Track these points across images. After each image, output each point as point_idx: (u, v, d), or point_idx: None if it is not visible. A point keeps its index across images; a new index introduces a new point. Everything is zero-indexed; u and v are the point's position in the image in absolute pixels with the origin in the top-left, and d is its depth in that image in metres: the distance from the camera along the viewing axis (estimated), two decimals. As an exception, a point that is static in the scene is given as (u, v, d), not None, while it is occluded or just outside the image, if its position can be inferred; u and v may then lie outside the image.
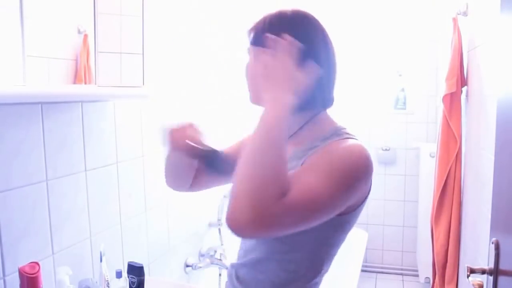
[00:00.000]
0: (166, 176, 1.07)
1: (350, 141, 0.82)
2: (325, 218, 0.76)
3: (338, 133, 0.86)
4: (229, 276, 0.98)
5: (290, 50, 0.79)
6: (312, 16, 0.88)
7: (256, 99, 0.91)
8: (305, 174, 0.75)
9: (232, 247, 1.85)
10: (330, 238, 0.86)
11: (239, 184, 0.70)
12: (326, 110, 0.92)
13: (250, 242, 0.95)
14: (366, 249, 2.89)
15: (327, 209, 0.75)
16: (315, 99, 0.87)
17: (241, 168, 0.72)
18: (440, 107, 2.40)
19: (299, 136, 0.89)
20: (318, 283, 0.91)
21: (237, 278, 0.94)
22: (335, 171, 0.75)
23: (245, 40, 0.91)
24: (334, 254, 0.91)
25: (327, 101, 0.90)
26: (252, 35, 0.89)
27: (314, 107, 0.89)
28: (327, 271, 0.92)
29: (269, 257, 0.89)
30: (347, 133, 0.86)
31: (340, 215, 0.80)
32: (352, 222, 0.86)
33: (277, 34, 0.81)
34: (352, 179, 0.77)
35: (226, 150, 1.06)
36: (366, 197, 0.85)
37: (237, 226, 0.68)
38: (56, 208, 1.17)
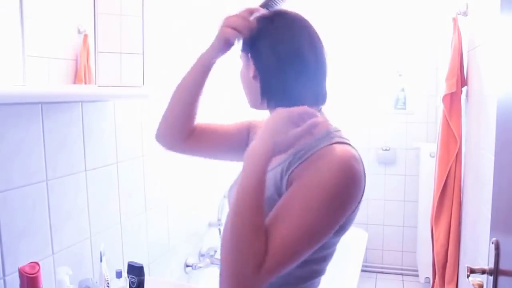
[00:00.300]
0: (161, 122, 1.05)
1: (338, 151, 0.79)
2: (318, 246, 0.76)
3: (327, 137, 0.83)
4: None
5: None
6: (296, 15, 0.87)
7: (253, 104, 0.92)
8: (285, 217, 0.73)
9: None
10: (326, 241, 0.83)
11: (223, 248, 0.73)
12: (321, 108, 0.90)
13: None
14: (366, 249, 2.89)
15: (316, 243, 0.75)
16: (304, 96, 0.85)
17: (224, 231, 0.73)
18: (440, 107, 2.40)
19: None
20: (314, 284, 0.89)
21: None
22: (322, 204, 0.73)
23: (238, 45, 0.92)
24: (330, 256, 0.89)
25: (319, 98, 0.88)
26: (240, 41, 0.91)
27: (304, 104, 0.87)
28: (324, 272, 0.90)
29: None
30: (338, 137, 0.84)
31: None
32: (348, 224, 0.84)
33: (254, 42, 0.85)
34: (340, 201, 0.75)
35: (224, 125, 1.09)
36: (358, 203, 0.83)
37: None
38: (56, 208, 1.17)
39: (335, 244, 0.88)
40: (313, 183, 0.75)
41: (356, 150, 0.83)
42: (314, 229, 0.73)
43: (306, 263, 0.84)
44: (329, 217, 0.75)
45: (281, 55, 0.83)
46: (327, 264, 0.90)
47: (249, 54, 0.88)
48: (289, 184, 0.80)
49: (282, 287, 0.86)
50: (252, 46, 0.87)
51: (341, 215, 0.77)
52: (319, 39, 0.87)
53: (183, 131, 1.03)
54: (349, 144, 0.83)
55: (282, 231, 0.72)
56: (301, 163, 0.80)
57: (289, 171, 0.81)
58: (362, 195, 0.82)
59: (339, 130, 0.88)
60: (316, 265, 0.87)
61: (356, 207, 0.82)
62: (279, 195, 0.81)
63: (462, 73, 2.22)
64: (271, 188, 0.83)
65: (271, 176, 0.84)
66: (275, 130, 0.73)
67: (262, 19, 0.87)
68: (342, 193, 0.75)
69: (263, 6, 0.91)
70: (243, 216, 0.71)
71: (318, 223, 0.73)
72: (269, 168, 0.87)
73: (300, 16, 0.88)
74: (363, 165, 0.81)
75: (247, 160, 0.75)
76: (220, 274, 0.73)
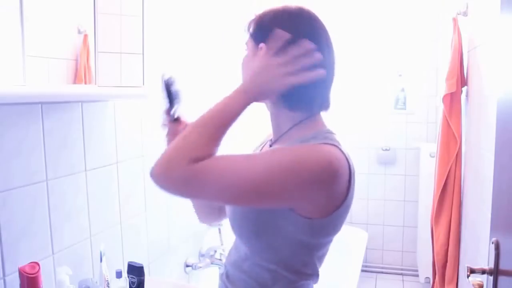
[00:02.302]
0: (198, 214, 1.10)
1: (324, 145, 0.79)
2: (251, 201, 0.77)
3: (318, 136, 0.83)
4: (220, 275, 0.98)
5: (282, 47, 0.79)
6: (316, 16, 0.85)
7: None
8: (244, 156, 0.77)
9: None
10: (305, 242, 0.83)
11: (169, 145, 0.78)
12: (321, 113, 0.89)
13: (235, 242, 0.94)
14: (366, 249, 2.89)
15: (251, 192, 0.74)
16: (311, 101, 0.85)
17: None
18: (440, 107, 2.40)
19: (285, 137, 0.88)
20: (305, 286, 0.88)
21: (227, 277, 0.94)
22: (277, 161, 0.75)
23: (245, 32, 0.89)
24: (320, 258, 0.88)
25: (324, 104, 0.88)
26: (251, 27, 0.87)
27: (308, 109, 0.86)
28: (317, 274, 0.89)
29: (248, 257, 0.88)
30: (329, 138, 0.83)
31: (310, 218, 0.78)
32: (329, 227, 0.82)
33: (279, 28, 0.81)
34: (296, 174, 0.73)
35: None
36: (342, 204, 0.80)
37: (152, 175, 0.75)
38: (56, 208, 1.17)
39: (320, 247, 0.86)
40: (286, 150, 0.79)
41: (345, 155, 0.80)
42: (258, 176, 0.73)
43: (290, 263, 0.84)
44: (279, 180, 0.74)
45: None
46: (315, 268, 0.88)
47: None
48: None
49: (273, 285, 0.85)
50: (269, 37, 0.82)
51: (292, 190, 0.75)
52: (332, 44, 0.86)
53: (216, 210, 1.07)
54: (339, 148, 0.81)
55: (232, 158, 0.76)
56: None
57: None
58: (346, 199, 0.80)
59: (333, 133, 0.87)
60: (301, 266, 0.85)
61: (338, 210, 0.80)
62: None
63: (462, 73, 2.22)
64: None
65: None
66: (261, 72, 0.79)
67: (283, 12, 0.84)
68: (306, 172, 0.74)
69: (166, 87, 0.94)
70: (203, 125, 0.77)
71: (265, 175, 0.73)
72: None
73: (319, 18, 0.86)
74: (350, 171, 0.80)
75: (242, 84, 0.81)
76: (158, 160, 0.76)
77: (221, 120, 0.77)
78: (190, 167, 0.72)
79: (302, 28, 0.82)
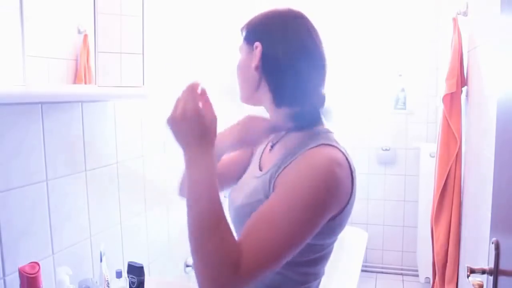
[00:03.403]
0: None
1: (321, 154, 0.79)
2: (298, 248, 0.74)
3: (316, 138, 0.83)
4: None
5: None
6: (304, 15, 0.88)
7: (247, 98, 0.91)
8: (265, 218, 0.72)
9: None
10: (314, 244, 0.83)
11: (192, 254, 0.69)
12: (318, 109, 0.89)
13: None
14: (366, 249, 2.88)
15: (296, 246, 0.73)
16: (303, 97, 0.86)
17: (189, 238, 0.70)
18: (440, 107, 2.40)
19: (286, 138, 0.89)
20: (313, 287, 0.89)
21: None
22: (302, 207, 0.72)
23: (239, 37, 0.91)
24: (325, 258, 0.88)
25: (318, 101, 0.88)
26: (244, 32, 0.90)
27: (300, 105, 0.87)
28: (322, 274, 0.89)
29: None
30: (326, 138, 0.83)
31: None
32: (336, 227, 0.83)
33: (264, 33, 0.84)
34: (320, 205, 0.74)
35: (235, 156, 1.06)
36: (348, 203, 0.81)
37: None
38: (56, 208, 1.17)
39: (327, 246, 0.87)
40: (294, 187, 0.75)
41: (343, 153, 0.81)
42: (293, 232, 0.72)
43: (299, 266, 0.84)
44: (309, 220, 0.74)
45: (298, 51, 0.83)
46: (322, 267, 0.89)
47: (256, 45, 0.85)
48: (274, 187, 0.80)
49: (281, 286, 0.85)
50: (264, 38, 0.85)
51: (320, 217, 0.76)
52: (321, 42, 0.88)
53: None
54: (336, 147, 0.81)
55: (260, 232, 0.71)
56: (286, 166, 0.81)
57: (276, 175, 0.82)
58: (350, 198, 0.81)
59: (330, 132, 0.87)
60: (310, 267, 0.86)
61: (344, 210, 0.81)
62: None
63: (462, 73, 2.22)
64: (261, 193, 0.83)
65: (261, 181, 0.85)
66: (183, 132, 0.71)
67: (273, 13, 0.87)
68: (322, 197, 0.75)
69: None
70: (199, 211, 0.69)
71: (298, 225, 0.72)
72: (262, 173, 0.88)
73: (308, 17, 0.88)
74: (351, 168, 0.80)
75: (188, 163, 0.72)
76: (198, 283, 0.69)
77: (215, 193, 0.71)
78: (237, 275, 0.67)
79: (289, 27, 0.84)
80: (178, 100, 0.73)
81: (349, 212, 0.84)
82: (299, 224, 0.72)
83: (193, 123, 0.71)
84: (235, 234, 0.90)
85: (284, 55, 0.83)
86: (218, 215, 0.70)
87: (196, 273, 0.69)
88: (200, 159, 0.71)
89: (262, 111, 0.92)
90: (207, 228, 0.68)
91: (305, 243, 0.75)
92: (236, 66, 0.91)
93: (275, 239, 0.71)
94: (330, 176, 0.75)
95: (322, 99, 0.89)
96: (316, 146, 0.80)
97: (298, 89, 0.85)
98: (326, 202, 0.75)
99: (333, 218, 0.80)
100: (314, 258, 0.86)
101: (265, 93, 0.87)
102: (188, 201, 0.71)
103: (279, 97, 0.86)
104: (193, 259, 0.69)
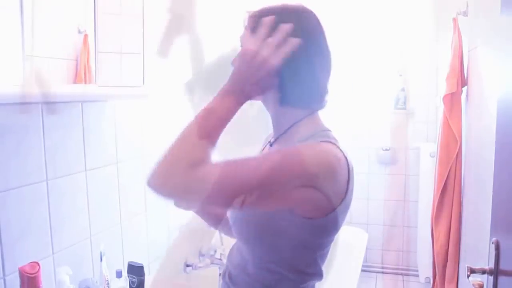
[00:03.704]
0: (207, 222, 1.09)
1: (322, 144, 0.79)
2: (254, 190, 0.73)
3: (316, 135, 0.83)
4: (222, 275, 0.97)
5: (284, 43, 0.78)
6: (314, 14, 0.86)
7: None
8: (243, 160, 0.76)
9: (232, 247, 1.85)
10: (308, 242, 0.83)
11: (163, 153, 0.75)
12: (318, 111, 0.89)
13: (238, 244, 0.94)
14: (366, 249, 2.88)
15: (253, 183, 0.73)
16: (308, 96, 0.85)
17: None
18: (440, 107, 2.40)
19: (284, 136, 0.88)
20: (310, 286, 0.88)
21: (230, 278, 0.94)
22: (276, 163, 0.74)
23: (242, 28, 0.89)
24: (322, 257, 0.88)
25: (321, 100, 0.88)
26: (250, 23, 0.86)
27: (306, 105, 0.86)
28: (321, 274, 0.88)
29: (252, 259, 0.87)
30: (326, 136, 0.83)
31: (311, 218, 0.78)
32: (331, 226, 0.82)
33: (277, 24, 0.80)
34: (296, 175, 0.73)
35: None
36: (342, 202, 0.79)
37: (150, 185, 0.73)
38: (56, 208, 1.17)
39: (324, 247, 0.86)
40: (284, 151, 0.79)
41: (343, 152, 0.80)
42: (257, 180, 0.72)
43: (296, 266, 0.84)
44: (278, 182, 0.73)
45: (311, 49, 0.82)
46: (319, 268, 0.88)
47: None
48: None
49: (276, 285, 0.85)
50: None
51: (292, 191, 0.74)
52: (327, 40, 0.87)
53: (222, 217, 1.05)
54: (336, 145, 0.81)
55: (231, 162, 0.75)
56: None
57: None
58: (345, 197, 0.79)
59: (329, 130, 0.87)
60: (307, 268, 0.86)
61: (337, 210, 0.79)
62: None
63: (462, 73, 2.22)
64: None
65: None
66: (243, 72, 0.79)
67: (281, 8, 0.84)
68: (306, 173, 0.74)
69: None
70: (196, 128, 0.75)
71: (264, 178, 0.72)
72: None
73: (316, 15, 0.87)
74: (349, 168, 0.80)
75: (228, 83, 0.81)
76: (154, 169, 0.73)
77: (214, 122, 0.76)
78: (189, 173, 0.70)
79: (304, 24, 0.82)
80: (267, 43, 0.77)
81: (344, 212, 0.82)
82: (268, 177, 0.73)
83: (260, 73, 0.78)
84: (235, 234, 0.91)
85: (299, 53, 0.79)
86: (207, 135, 0.75)
87: (155, 170, 0.72)
88: (228, 108, 0.78)
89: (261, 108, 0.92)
90: (193, 134, 0.75)
91: (261, 205, 0.76)
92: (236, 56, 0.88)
93: (239, 174, 0.73)
94: (324, 165, 0.75)
95: (325, 100, 0.88)
96: (316, 142, 0.81)
97: (306, 89, 0.84)
98: (306, 181, 0.74)
99: (326, 213, 0.79)
100: (311, 259, 0.85)
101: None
102: (196, 118, 0.77)
103: (286, 95, 0.84)
104: (166, 151, 0.73)
